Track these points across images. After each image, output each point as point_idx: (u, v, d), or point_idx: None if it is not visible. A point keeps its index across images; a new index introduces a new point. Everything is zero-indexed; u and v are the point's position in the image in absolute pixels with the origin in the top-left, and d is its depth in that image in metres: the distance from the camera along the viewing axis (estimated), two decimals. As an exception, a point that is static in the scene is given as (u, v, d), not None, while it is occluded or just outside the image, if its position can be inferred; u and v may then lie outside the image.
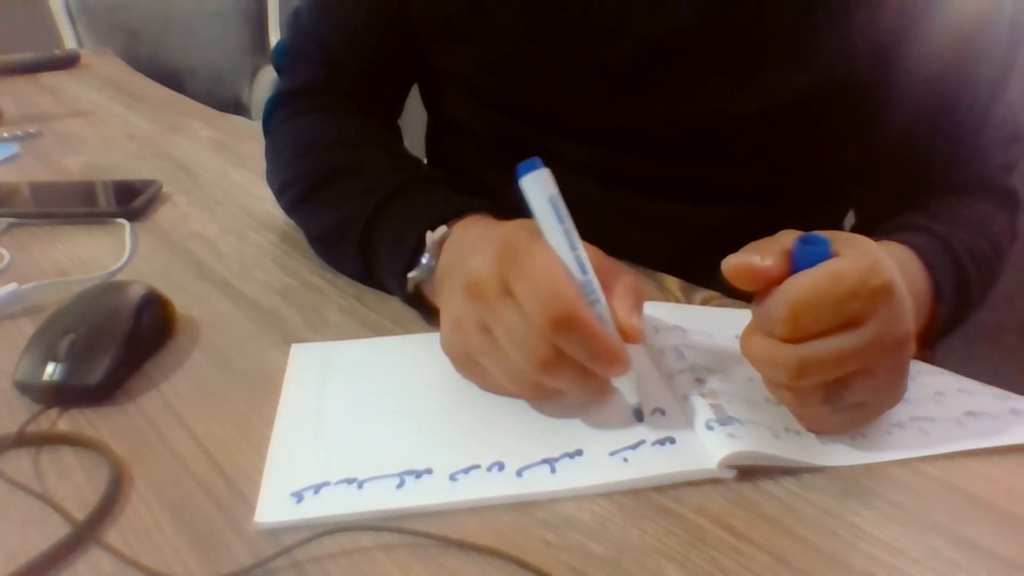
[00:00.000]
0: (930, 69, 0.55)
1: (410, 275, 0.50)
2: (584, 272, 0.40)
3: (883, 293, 0.36)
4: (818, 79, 0.55)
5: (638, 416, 0.42)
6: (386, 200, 0.54)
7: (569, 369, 0.39)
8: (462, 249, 0.48)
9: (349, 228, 0.55)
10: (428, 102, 0.75)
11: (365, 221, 0.54)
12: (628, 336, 0.40)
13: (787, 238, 0.38)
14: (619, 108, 0.60)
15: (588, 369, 0.39)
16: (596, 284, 0.40)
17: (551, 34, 0.58)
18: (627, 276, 0.42)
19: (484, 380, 0.44)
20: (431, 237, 0.49)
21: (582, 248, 0.40)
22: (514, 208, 0.67)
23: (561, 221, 0.39)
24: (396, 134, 0.70)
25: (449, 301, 0.43)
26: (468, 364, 0.43)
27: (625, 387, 0.42)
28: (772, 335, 0.37)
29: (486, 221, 0.50)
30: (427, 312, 0.52)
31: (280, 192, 0.65)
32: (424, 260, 0.50)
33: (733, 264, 0.37)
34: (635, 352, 0.47)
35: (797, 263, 0.37)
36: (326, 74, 0.68)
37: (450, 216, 0.50)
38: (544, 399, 0.43)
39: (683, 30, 0.55)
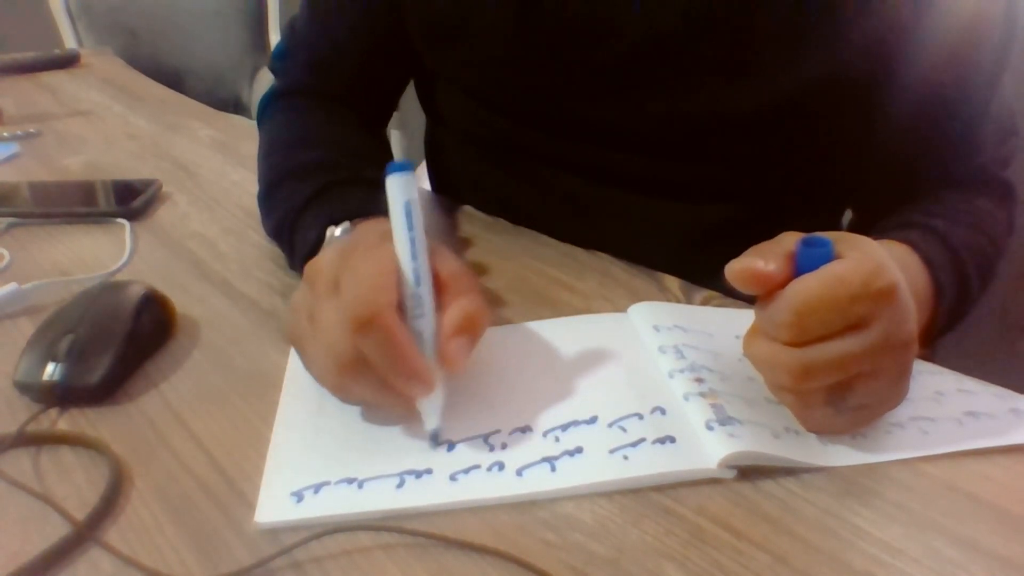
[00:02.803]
0: (925, 65, 0.55)
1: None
2: (418, 284, 0.39)
3: (886, 296, 0.36)
4: (812, 77, 0.55)
5: (434, 441, 0.40)
6: (311, 199, 0.55)
7: (368, 376, 0.38)
8: None
9: (283, 226, 0.57)
10: (425, 103, 0.75)
11: (292, 219, 0.55)
12: (444, 360, 0.39)
13: (789, 240, 0.38)
14: (614, 108, 0.60)
15: (389, 381, 0.38)
16: (428, 299, 0.39)
17: (545, 35, 0.59)
18: (468, 300, 0.40)
19: (308, 368, 0.43)
20: (332, 232, 0.50)
21: (425, 260, 0.39)
22: (510, 207, 0.68)
23: (410, 229, 0.39)
24: (374, 133, 0.70)
25: (300, 287, 0.44)
26: (297, 348, 0.43)
27: (428, 409, 0.40)
28: (776, 338, 0.37)
29: (380, 222, 0.50)
30: None
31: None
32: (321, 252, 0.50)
33: (737, 268, 0.37)
34: (632, 353, 0.48)
35: (800, 265, 0.37)
36: (316, 78, 0.69)
37: (354, 214, 0.50)
38: (353, 400, 0.42)
39: (676, 30, 0.55)
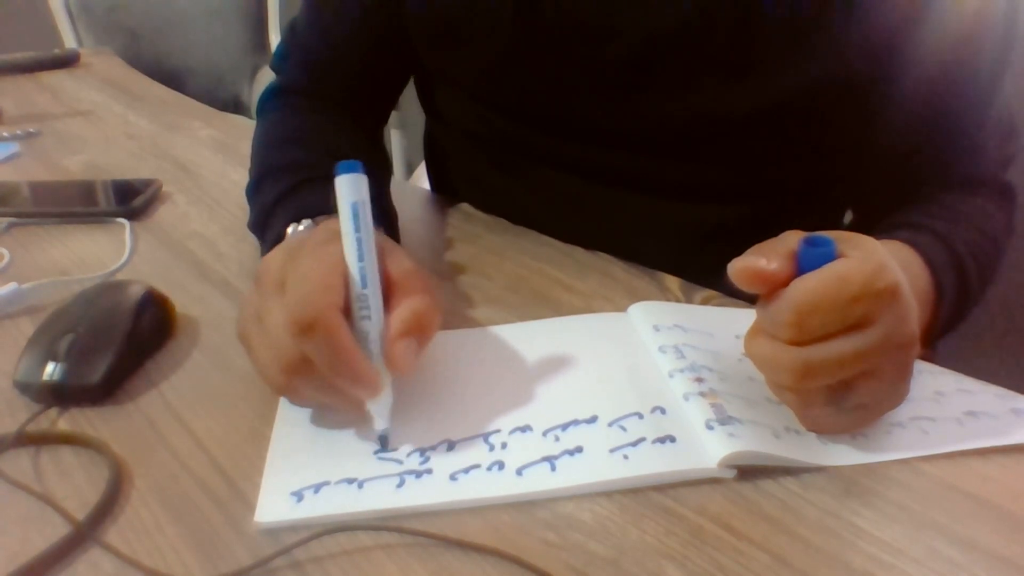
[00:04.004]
0: (926, 66, 0.55)
1: None
2: (364, 285, 0.39)
3: (888, 296, 0.36)
4: (812, 77, 0.55)
5: (382, 443, 0.40)
6: (281, 197, 0.55)
7: (313, 378, 0.38)
8: None
9: (258, 227, 0.57)
10: (425, 102, 0.75)
11: (264, 219, 0.56)
12: (389, 362, 0.39)
13: (792, 239, 0.38)
14: (614, 108, 0.60)
15: (333, 383, 0.38)
16: (375, 301, 0.39)
17: (545, 35, 0.59)
18: (417, 300, 0.40)
19: (254, 364, 0.42)
20: (294, 229, 0.50)
21: (372, 261, 0.39)
22: (510, 207, 0.68)
23: (357, 230, 0.39)
24: (370, 133, 0.70)
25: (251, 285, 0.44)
26: (246, 348, 0.42)
27: (377, 410, 0.40)
28: (777, 337, 0.37)
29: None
30: None
31: None
32: None
33: (739, 267, 0.37)
34: (632, 353, 0.48)
35: (802, 265, 0.37)
36: (313, 79, 0.70)
37: (315, 212, 0.50)
38: (302, 403, 0.42)
39: (676, 30, 0.55)
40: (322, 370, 0.37)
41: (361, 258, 0.39)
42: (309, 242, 0.41)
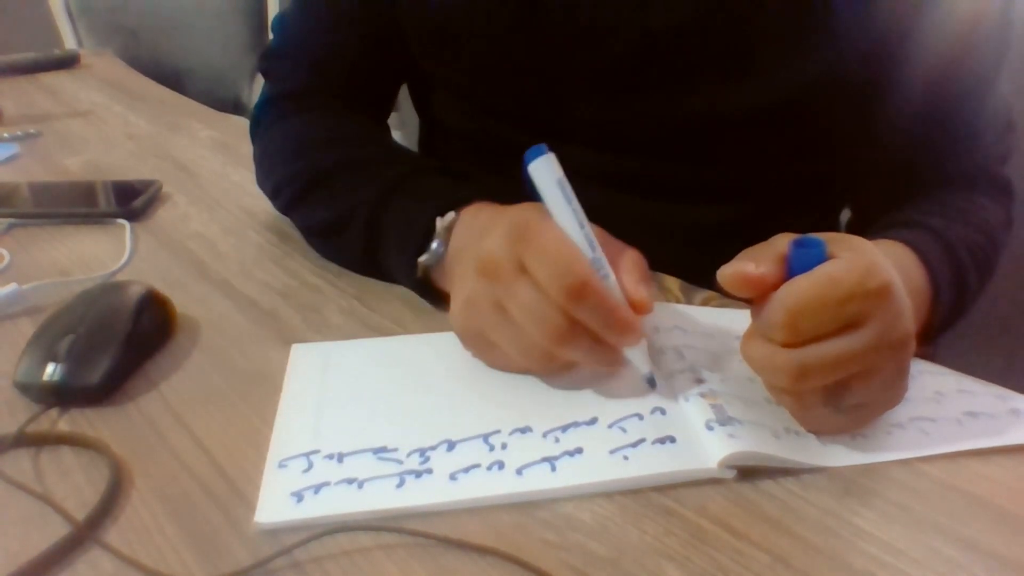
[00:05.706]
0: (923, 64, 0.55)
1: (420, 259, 0.51)
2: (593, 249, 0.41)
3: (881, 295, 0.36)
4: (810, 76, 0.55)
5: (651, 383, 0.43)
6: (391, 189, 0.55)
7: (583, 340, 0.40)
8: (473, 232, 0.48)
9: (353, 217, 0.56)
10: (420, 106, 0.75)
11: (371, 209, 0.55)
12: (637, 306, 0.41)
13: (782, 242, 0.38)
14: (611, 109, 0.60)
15: (601, 339, 0.40)
16: (605, 260, 0.42)
17: (541, 36, 0.58)
18: (632, 251, 0.43)
19: (493, 358, 0.45)
20: (441, 222, 0.50)
21: (589, 227, 0.41)
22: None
23: (569, 202, 0.41)
24: (385, 130, 0.70)
25: (462, 281, 0.44)
26: (479, 343, 0.44)
27: (637, 357, 0.43)
28: (771, 340, 0.37)
29: (493, 207, 0.51)
30: (433, 298, 0.53)
31: (274, 194, 0.65)
32: (434, 245, 0.50)
33: (728, 273, 0.37)
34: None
35: (793, 267, 0.37)
36: (313, 78, 0.68)
37: (459, 202, 0.51)
38: (556, 372, 0.44)
39: (673, 29, 0.55)
40: (595, 329, 0.40)
41: (582, 225, 0.41)
42: (531, 223, 0.41)
